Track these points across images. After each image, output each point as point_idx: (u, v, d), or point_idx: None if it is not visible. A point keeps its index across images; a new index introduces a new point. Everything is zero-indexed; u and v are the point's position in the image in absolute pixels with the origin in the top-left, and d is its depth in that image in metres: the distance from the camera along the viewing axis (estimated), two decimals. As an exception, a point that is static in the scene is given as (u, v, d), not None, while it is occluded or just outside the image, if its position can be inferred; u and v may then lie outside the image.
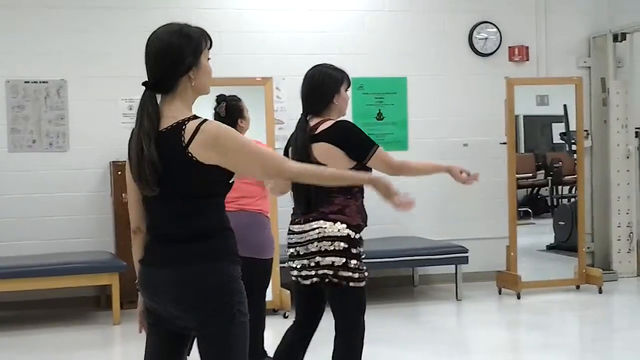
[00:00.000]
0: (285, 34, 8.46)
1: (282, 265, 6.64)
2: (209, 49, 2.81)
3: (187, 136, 2.67)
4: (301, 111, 4.09)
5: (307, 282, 3.95)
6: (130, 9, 8.04)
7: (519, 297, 7.81)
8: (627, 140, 8.77)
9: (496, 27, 8.90)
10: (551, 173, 10.22)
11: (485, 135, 8.71)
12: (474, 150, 8.75)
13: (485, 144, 8.71)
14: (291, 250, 4.03)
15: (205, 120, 2.72)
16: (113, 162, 7.69)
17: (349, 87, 4.16)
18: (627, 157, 8.72)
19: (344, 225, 3.88)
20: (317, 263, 3.87)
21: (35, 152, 7.85)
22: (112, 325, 7.04)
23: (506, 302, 7.86)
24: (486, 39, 8.89)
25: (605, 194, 8.86)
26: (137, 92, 2.85)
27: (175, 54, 2.70)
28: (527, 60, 8.97)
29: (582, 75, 8.77)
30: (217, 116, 5.36)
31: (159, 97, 2.77)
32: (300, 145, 3.97)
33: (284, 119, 8.31)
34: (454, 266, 7.87)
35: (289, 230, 4.06)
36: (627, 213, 8.81)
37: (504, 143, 8.21)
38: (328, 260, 3.85)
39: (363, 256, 3.97)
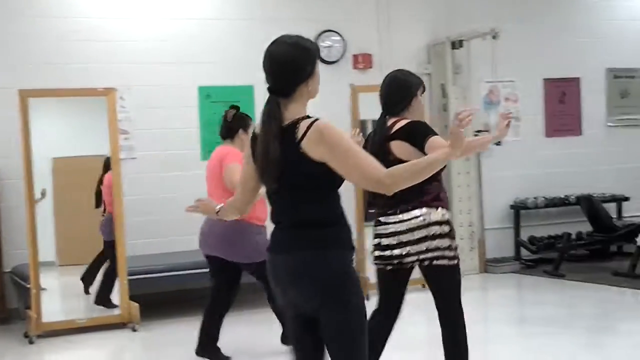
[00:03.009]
0: (132, 43, 8.32)
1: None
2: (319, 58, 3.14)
3: (299, 133, 2.93)
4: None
5: (424, 264, 4.22)
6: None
7: (367, 299, 7.94)
8: (466, 143, 9.11)
9: (340, 35, 9.07)
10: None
11: (333, 141, 8.83)
12: (322, 156, 8.87)
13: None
14: (382, 240, 4.27)
15: (317, 119, 2.96)
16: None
17: (424, 91, 4.43)
18: (467, 160, 9.07)
19: (445, 210, 4.24)
20: (427, 247, 4.16)
21: None
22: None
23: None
24: (330, 47, 9.04)
25: (448, 195, 9.15)
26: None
27: (296, 64, 3.01)
28: (371, 67, 9.19)
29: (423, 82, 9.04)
30: (224, 119, 5.87)
31: None
32: (378, 142, 4.30)
33: (129, 129, 8.17)
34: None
35: (378, 222, 4.31)
36: (469, 213, 9.18)
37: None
38: (437, 243, 4.17)
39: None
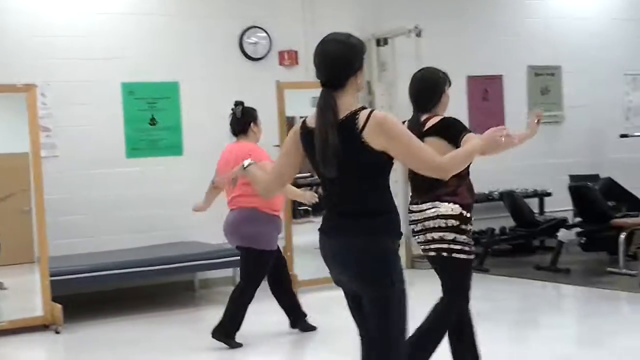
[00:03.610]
0: (52, 39, 8.15)
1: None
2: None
3: (360, 123, 3.12)
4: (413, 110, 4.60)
5: (432, 254, 4.44)
6: None
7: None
8: (392, 139, 9.19)
9: (266, 32, 9.04)
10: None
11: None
12: (249, 154, 8.84)
13: (259, 146, 8.78)
14: (412, 226, 4.53)
15: (374, 109, 3.19)
16: None
17: (450, 85, 4.65)
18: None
19: (457, 205, 4.37)
20: (433, 238, 4.39)
21: None
22: None
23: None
24: (256, 43, 9.01)
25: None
26: None
27: (347, 59, 3.22)
28: (297, 64, 9.18)
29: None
30: (234, 116, 6.19)
31: None
32: None
33: (50, 125, 8.00)
34: (232, 269, 7.89)
35: (409, 210, 4.56)
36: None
37: (278, 145, 8.34)
38: (440, 234, 4.36)
39: (470, 232, 4.46)
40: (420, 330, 4.43)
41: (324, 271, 6.88)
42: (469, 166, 4.30)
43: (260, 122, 6.30)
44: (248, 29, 8.97)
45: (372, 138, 3.11)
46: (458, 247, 4.37)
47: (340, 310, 6.84)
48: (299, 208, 10.58)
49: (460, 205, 4.39)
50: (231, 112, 6.24)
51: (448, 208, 4.37)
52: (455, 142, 4.21)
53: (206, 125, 8.73)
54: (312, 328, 6.52)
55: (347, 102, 3.20)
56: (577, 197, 9.07)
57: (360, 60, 3.27)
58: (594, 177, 10.08)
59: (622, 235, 8.29)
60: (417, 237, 4.53)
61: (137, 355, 6.19)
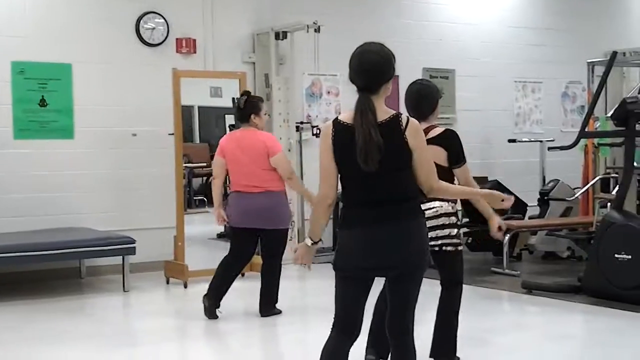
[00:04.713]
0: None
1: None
2: None
3: (404, 125, 3.61)
4: None
5: (434, 249, 4.65)
6: None
7: (185, 286, 7.91)
8: (288, 134, 9.22)
9: (163, 17, 8.91)
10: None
11: (155, 125, 8.69)
12: (143, 141, 8.71)
13: (154, 134, 8.69)
14: None
15: (409, 116, 3.70)
16: None
17: (441, 95, 5.18)
18: (289, 150, 9.16)
19: (453, 204, 4.89)
20: (437, 235, 4.76)
21: None
22: None
23: (174, 292, 7.92)
24: (153, 29, 8.87)
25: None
26: None
27: (383, 68, 3.68)
28: (195, 52, 9.08)
29: (246, 70, 9.07)
30: (237, 106, 6.53)
31: None
32: None
33: None
34: (121, 257, 7.76)
35: None
36: (290, 203, 9.23)
37: (172, 134, 8.24)
38: (446, 231, 4.81)
39: None
40: (440, 329, 4.99)
41: (214, 262, 6.89)
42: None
43: (264, 114, 6.61)
44: (145, 14, 8.82)
45: (411, 138, 3.60)
46: (457, 240, 4.89)
47: (232, 301, 6.83)
48: (195, 198, 10.50)
49: (455, 204, 4.95)
50: (235, 101, 6.59)
51: (448, 207, 4.85)
52: (454, 153, 4.79)
53: (99, 110, 8.55)
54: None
55: (380, 105, 3.65)
56: (464, 200, 9.27)
57: (393, 70, 3.71)
58: (483, 180, 10.33)
59: (507, 237, 8.54)
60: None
61: (16, 342, 6.00)
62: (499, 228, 4.83)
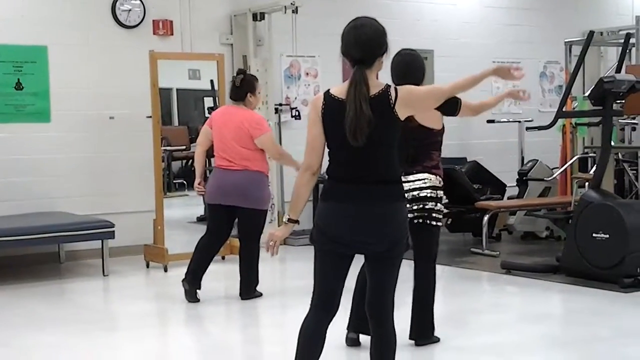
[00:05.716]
0: None
1: None
2: None
3: (393, 98, 3.58)
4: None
5: (415, 222, 4.82)
6: None
7: (166, 270, 7.90)
8: (267, 116, 9.17)
9: (140, -1, 8.83)
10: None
11: (132, 108, 8.63)
12: (121, 124, 8.65)
13: (131, 117, 8.63)
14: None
15: (397, 86, 3.66)
16: None
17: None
18: (267, 132, 9.11)
19: (440, 178, 4.93)
20: (423, 206, 4.84)
21: None
22: None
23: (153, 276, 7.91)
24: (130, 10, 8.78)
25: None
26: None
27: (379, 41, 3.66)
28: (172, 34, 9.01)
29: (225, 52, 9.01)
30: (233, 85, 6.55)
31: None
32: None
33: None
34: (100, 241, 7.72)
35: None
36: (269, 185, 9.21)
37: (150, 117, 8.19)
38: (431, 204, 4.86)
39: None
40: (417, 309, 5.04)
41: (194, 245, 6.86)
42: (442, 143, 5.02)
43: (259, 93, 6.64)
44: (122, -5, 8.74)
45: (401, 110, 3.58)
46: (440, 216, 4.95)
47: (213, 283, 6.82)
48: (175, 181, 10.46)
49: (441, 178, 4.97)
50: (232, 80, 6.64)
51: (436, 180, 4.91)
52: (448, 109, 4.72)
53: (75, 93, 8.48)
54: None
55: (373, 79, 3.63)
56: (444, 180, 9.30)
57: (386, 44, 3.69)
58: (462, 160, 10.37)
59: (486, 217, 8.59)
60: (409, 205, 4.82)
61: (-7, 328, 5.97)
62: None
